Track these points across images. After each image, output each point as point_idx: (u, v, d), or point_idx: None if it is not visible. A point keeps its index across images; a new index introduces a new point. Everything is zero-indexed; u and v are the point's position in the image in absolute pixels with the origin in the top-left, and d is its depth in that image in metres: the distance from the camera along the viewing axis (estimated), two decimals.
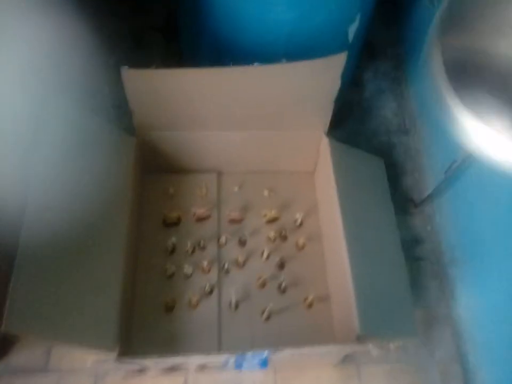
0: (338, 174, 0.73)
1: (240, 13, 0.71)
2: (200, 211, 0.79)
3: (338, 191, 0.71)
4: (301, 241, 0.79)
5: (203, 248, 0.77)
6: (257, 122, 0.75)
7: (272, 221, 0.81)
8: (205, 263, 0.74)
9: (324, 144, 0.78)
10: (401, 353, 0.73)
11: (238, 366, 0.64)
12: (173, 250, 0.76)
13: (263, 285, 0.75)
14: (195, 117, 0.73)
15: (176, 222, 0.79)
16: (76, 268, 0.60)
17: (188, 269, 0.73)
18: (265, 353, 0.48)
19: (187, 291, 0.72)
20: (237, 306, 0.72)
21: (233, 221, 0.81)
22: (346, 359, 0.70)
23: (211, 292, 0.73)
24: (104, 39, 1.02)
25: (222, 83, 0.67)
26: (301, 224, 0.81)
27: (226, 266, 0.75)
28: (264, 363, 0.61)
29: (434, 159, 0.88)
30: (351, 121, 0.97)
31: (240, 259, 0.76)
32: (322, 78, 0.67)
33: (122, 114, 0.81)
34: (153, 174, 0.83)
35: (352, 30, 0.76)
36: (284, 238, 0.80)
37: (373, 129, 0.97)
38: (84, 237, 0.63)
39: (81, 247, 0.61)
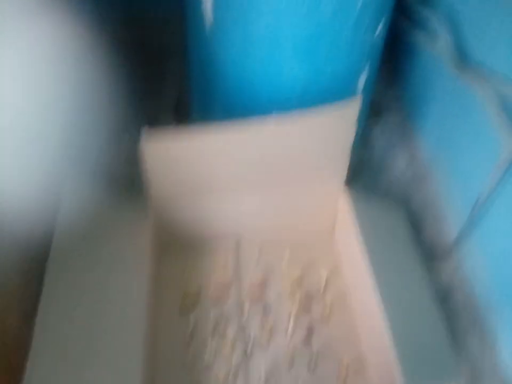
0: (362, 226, 0.73)
1: (254, 74, 0.74)
2: (218, 287, 0.77)
3: (364, 247, 0.70)
4: (328, 308, 0.76)
5: (224, 329, 0.74)
6: (274, 181, 0.76)
7: (296, 287, 0.79)
8: (227, 348, 0.71)
9: (343, 196, 0.78)
10: None
11: None
12: (192, 335, 0.73)
13: (292, 362, 0.71)
14: (211, 181, 0.74)
15: (196, 300, 0.77)
16: (94, 353, 0.58)
17: (209, 357, 0.70)
18: None
19: (210, 381, 0.69)
20: None
21: (253, 294, 0.78)
22: None
23: (235, 378, 0.69)
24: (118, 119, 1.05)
25: (238, 139, 0.68)
26: (325, 289, 0.79)
27: (249, 348, 0.72)
28: None
29: (454, 206, 0.87)
30: (364, 177, 0.97)
31: (264, 338, 0.73)
32: (337, 124, 0.69)
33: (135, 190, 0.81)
34: (169, 250, 0.82)
35: (362, 80, 0.77)
36: (308, 309, 0.77)
37: (387, 182, 0.96)
38: (101, 323, 0.62)
39: (100, 333, 0.60)
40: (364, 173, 0.97)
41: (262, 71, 0.73)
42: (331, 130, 0.69)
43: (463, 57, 0.78)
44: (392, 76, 1.09)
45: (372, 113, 1.02)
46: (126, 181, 0.93)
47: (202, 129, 0.66)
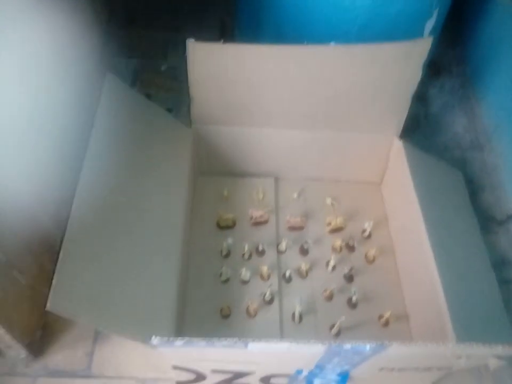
0: (417, 181, 0.70)
1: None
2: (258, 214, 0.76)
3: (419, 200, 0.67)
4: (371, 253, 0.74)
5: (262, 253, 0.73)
6: (323, 121, 0.73)
7: (337, 230, 0.78)
8: (265, 269, 0.70)
9: (397, 148, 0.77)
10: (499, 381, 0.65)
11: (309, 383, 0.58)
12: (228, 254, 0.73)
13: (331, 297, 0.70)
14: (255, 110, 0.72)
15: (231, 225, 0.77)
16: (131, 257, 0.57)
17: (245, 274, 0.69)
18: (367, 347, 0.42)
19: (244, 298, 0.68)
20: (301, 318, 0.67)
21: (293, 228, 0.78)
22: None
23: (271, 300, 0.68)
24: (155, 46, 1.08)
25: (290, 63, 0.65)
26: (369, 235, 0.77)
27: (288, 274, 0.71)
28: (343, 379, 0.55)
29: None
30: (418, 134, 0.96)
31: (303, 267, 0.71)
32: (403, 64, 0.65)
33: (173, 116, 0.81)
34: (206, 174, 0.82)
35: (428, 26, 0.77)
36: (351, 248, 0.76)
37: (443, 144, 0.96)
38: (138, 228, 0.60)
39: (135, 239, 0.59)
40: (417, 131, 0.97)
41: None
42: (395, 69, 0.66)
43: None
44: (456, 37, 1.09)
45: (430, 73, 1.02)
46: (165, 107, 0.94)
47: (251, 47, 0.63)
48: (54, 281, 0.45)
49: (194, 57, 0.64)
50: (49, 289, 0.45)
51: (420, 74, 0.67)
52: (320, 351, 0.43)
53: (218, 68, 0.65)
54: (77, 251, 0.50)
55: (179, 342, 0.40)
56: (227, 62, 0.65)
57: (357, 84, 0.68)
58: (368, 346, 0.41)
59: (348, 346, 0.41)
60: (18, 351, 0.61)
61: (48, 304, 0.43)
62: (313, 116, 0.73)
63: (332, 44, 0.63)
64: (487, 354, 0.45)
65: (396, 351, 0.43)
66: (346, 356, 0.45)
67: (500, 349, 0.43)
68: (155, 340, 0.39)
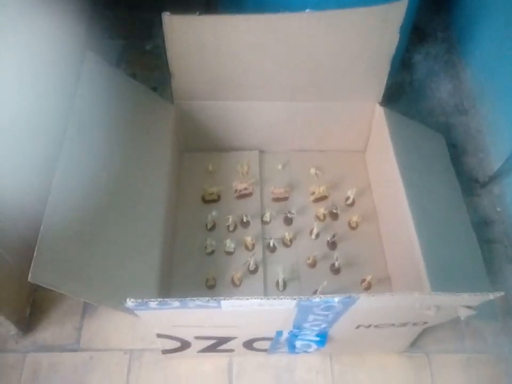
0: (398, 147, 0.70)
1: None
2: (242, 186, 0.78)
3: (399, 166, 0.68)
4: (354, 220, 0.76)
5: (246, 224, 0.75)
6: (305, 91, 0.74)
7: (321, 199, 0.79)
8: (249, 239, 0.71)
9: (379, 114, 0.77)
10: (478, 341, 0.67)
11: (291, 347, 0.61)
12: (213, 227, 0.75)
13: (314, 264, 0.72)
14: (238, 83, 0.72)
15: (216, 199, 0.78)
16: (112, 231, 0.58)
17: (229, 245, 0.71)
18: (336, 300, 0.44)
19: (229, 269, 0.70)
20: (285, 285, 0.69)
21: (277, 199, 0.79)
22: (414, 346, 0.65)
23: (256, 270, 0.70)
24: (140, 26, 1.08)
25: (269, 33, 0.65)
26: (352, 203, 0.79)
27: (272, 243, 0.73)
28: (322, 338, 0.57)
29: (499, 138, 0.86)
30: (403, 101, 0.96)
31: (287, 237, 0.73)
32: (379, 29, 0.65)
33: (158, 95, 0.82)
34: (191, 149, 0.83)
35: None
36: (334, 216, 0.77)
37: (428, 109, 0.96)
38: (121, 203, 0.62)
39: (118, 213, 0.60)
40: (402, 98, 0.97)
41: None
42: (372, 33, 0.66)
43: None
44: (441, 2, 1.08)
45: (415, 39, 1.01)
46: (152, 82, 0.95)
47: (228, 18, 0.63)
48: (35, 253, 0.47)
49: (172, 31, 0.64)
50: None
51: (397, 37, 0.66)
52: (291, 306, 0.44)
53: (196, 41, 0.65)
54: (59, 224, 0.52)
55: (153, 303, 0.42)
56: (205, 34, 0.65)
57: (335, 51, 0.68)
58: (336, 299, 0.43)
59: (317, 300, 0.43)
60: (8, 328, 0.63)
61: (29, 275, 0.45)
62: (295, 87, 0.73)
63: (308, 10, 0.63)
64: (454, 303, 0.47)
65: (366, 304, 0.45)
66: (319, 312, 0.47)
67: (466, 298, 0.45)
68: (129, 302, 0.41)
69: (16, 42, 0.61)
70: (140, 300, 0.42)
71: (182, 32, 0.64)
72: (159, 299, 0.42)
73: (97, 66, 0.68)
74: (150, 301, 0.42)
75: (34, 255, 0.47)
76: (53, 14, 0.75)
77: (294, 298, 0.43)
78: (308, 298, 0.43)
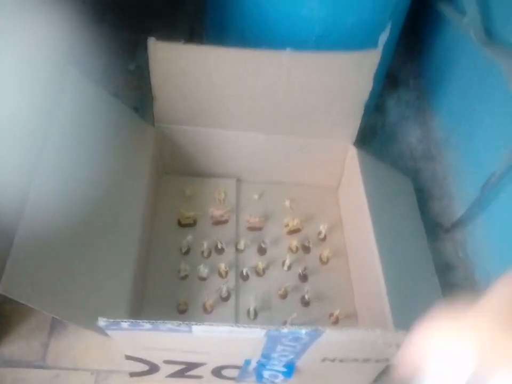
0: (368, 187, 0.74)
1: (270, 7, 0.75)
2: (218, 213, 0.79)
3: (369, 205, 0.71)
4: (325, 254, 0.78)
5: (221, 250, 0.75)
6: (282, 125, 0.77)
7: (294, 232, 0.81)
8: (222, 266, 0.72)
9: (352, 154, 0.81)
10: None
11: (259, 377, 0.60)
12: (187, 251, 0.75)
13: (285, 295, 0.73)
14: (218, 111, 0.74)
15: (192, 223, 0.79)
16: (86, 250, 0.58)
17: (203, 270, 0.71)
18: (303, 332, 0.45)
19: (201, 294, 0.70)
20: (255, 315, 0.70)
21: (252, 228, 0.80)
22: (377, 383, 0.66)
23: (228, 297, 0.70)
24: (124, 46, 1.10)
25: (250, 66, 0.68)
26: (324, 238, 0.81)
27: (245, 272, 0.73)
28: (289, 369, 0.57)
29: (463, 185, 0.91)
30: (374, 144, 1.01)
31: (260, 266, 0.74)
32: (355, 73, 0.69)
33: (139, 115, 0.83)
34: (169, 172, 0.84)
35: (382, 39, 0.82)
36: (306, 249, 0.79)
37: (397, 153, 1.01)
38: (97, 222, 0.61)
39: (93, 232, 0.60)
40: (374, 140, 1.02)
41: (280, 9, 0.74)
42: (347, 77, 0.70)
43: (489, 33, 0.84)
44: (412, 51, 1.16)
45: (388, 86, 1.08)
46: (130, 106, 0.96)
47: (212, 49, 0.66)
48: (7, 265, 0.46)
49: (156, 56, 0.66)
50: None
51: (371, 84, 0.71)
52: (261, 335, 0.45)
53: (180, 68, 0.67)
54: (33, 238, 0.51)
55: (125, 323, 0.41)
56: (189, 63, 0.67)
57: (312, 90, 0.72)
58: (303, 331, 0.44)
59: (285, 331, 0.44)
60: None
61: (0, 286, 0.44)
62: (272, 120, 0.76)
63: (288, 49, 0.66)
64: None
65: (331, 336, 0.46)
66: (287, 343, 0.48)
67: None
68: (101, 321, 0.41)
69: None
70: (112, 320, 0.41)
71: (167, 58, 0.66)
72: (131, 320, 0.42)
73: (79, 83, 0.69)
74: (122, 321, 0.42)
75: (6, 266, 0.46)
76: (35, 25, 0.76)
77: (264, 328, 0.44)
78: (277, 328, 0.44)
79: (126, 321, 0.41)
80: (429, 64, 1.12)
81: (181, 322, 0.42)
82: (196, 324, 0.43)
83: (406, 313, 0.62)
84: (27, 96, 0.74)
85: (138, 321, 0.42)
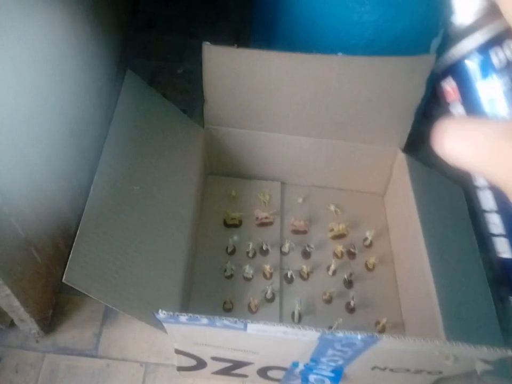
0: (418, 194, 0.72)
1: (320, 12, 0.74)
2: (263, 215, 0.79)
3: (419, 212, 0.69)
4: (371, 261, 0.76)
5: (265, 252, 0.75)
6: (329, 129, 0.76)
7: (339, 237, 0.80)
8: (267, 268, 0.72)
9: (401, 160, 0.79)
10: None
11: (304, 380, 0.60)
12: (233, 251, 0.75)
13: (330, 300, 0.72)
14: (266, 114, 0.74)
15: (238, 224, 0.79)
16: (141, 245, 0.59)
17: (248, 271, 0.71)
18: (359, 338, 0.44)
19: (246, 294, 0.70)
20: (300, 318, 0.69)
21: (297, 231, 0.80)
22: None
23: (272, 298, 0.70)
24: (172, 50, 1.12)
25: (301, 71, 0.67)
26: (370, 244, 0.80)
27: (289, 275, 0.73)
28: (337, 375, 0.56)
29: None
30: (421, 152, 0.99)
31: (305, 270, 0.73)
32: (407, 78, 0.68)
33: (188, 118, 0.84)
34: (216, 174, 0.85)
35: (434, 45, 0.80)
36: (352, 255, 0.78)
37: (445, 162, 0.98)
38: (151, 219, 0.63)
39: (147, 228, 0.61)
40: (421, 148, 0.99)
41: (331, 13, 0.73)
42: (399, 81, 0.69)
43: None
44: None
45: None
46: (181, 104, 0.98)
47: (262, 53, 0.66)
48: (71, 255, 0.47)
49: (209, 60, 0.67)
50: (63, 269, 0.47)
51: (424, 89, 0.69)
52: (314, 338, 0.44)
53: (231, 71, 0.68)
54: (93, 232, 0.53)
55: (183, 317, 0.42)
56: (240, 66, 0.68)
57: (362, 95, 0.71)
58: (359, 336, 0.43)
59: (340, 335, 0.43)
60: (30, 326, 0.63)
61: (64, 276, 0.45)
62: (319, 124, 0.76)
63: (340, 54, 0.66)
64: (473, 355, 0.47)
65: (387, 345, 0.45)
66: (339, 348, 0.47)
67: (485, 351, 0.45)
68: (161, 314, 0.41)
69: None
70: (171, 313, 0.42)
71: (219, 61, 0.67)
72: (189, 314, 0.43)
73: (137, 85, 0.71)
74: (181, 315, 0.42)
75: (70, 257, 0.47)
76: (89, 28, 0.78)
77: (318, 330, 0.43)
78: (331, 332, 0.43)
79: (184, 315, 0.42)
80: None
81: (236, 320, 0.42)
82: (252, 322, 0.42)
83: (458, 325, 0.60)
84: (86, 97, 0.77)
85: (196, 316, 0.42)
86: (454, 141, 0.16)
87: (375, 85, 0.70)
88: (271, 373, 0.59)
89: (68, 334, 0.67)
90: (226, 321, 0.43)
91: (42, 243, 0.61)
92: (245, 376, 0.60)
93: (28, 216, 0.56)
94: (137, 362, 0.65)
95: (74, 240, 0.50)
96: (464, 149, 0.16)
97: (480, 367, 0.48)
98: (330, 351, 0.50)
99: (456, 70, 0.31)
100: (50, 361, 0.65)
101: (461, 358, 0.48)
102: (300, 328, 0.43)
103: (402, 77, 0.69)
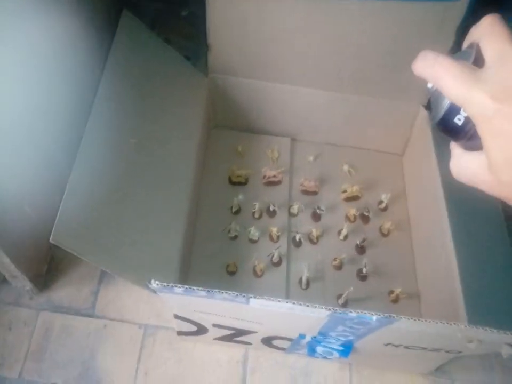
0: (441, 155, 0.64)
1: None
2: (271, 173, 0.72)
3: (441, 174, 0.62)
4: (386, 226, 0.70)
5: (273, 213, 0.70)
6: (346, 82, 0.68)
7: (352, 199, 0.74)
8: (274, 230, 0.66)
9: (422, 118, 0.71)
10: (507, 376, 0.62)
11: (311, 351, 0.56)
12: (238, 211, 0.69)
13: (340, 266, 0.67)
14: (277, 64, 0.67)
15: (243, 182, 0.73)
16: (138, 200, 0.53)
17: (254, 233, 0.66)
18: (374, 319, 0.39)
19: (251, 257, 0.65)
20: (308, 284, 0.64)
21: (306, 192, 0.74)
22: (439, 371, 0.60)
23: (279, 263, 0.65)
24: None
25: (316, 16, 0.59)
26: (385, 208, 0.73)
27: (298, 238, 0.67)
28: (347, 349, 0.52)
29: None
30: None
31: (314, 233, 0.68)
32: (434, 27, 0.59)
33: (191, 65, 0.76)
34: (221, 127, 0.78)
35: None
36: (365, 219, 0.72)
37: None
38: (148, 175, 0.57)
39: (145, 186, 0.56)
40: None
41: None
42: (426, 30, 0.60)
43: None
44: (493, 7, 1.02)
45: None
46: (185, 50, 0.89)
47: None
48: (58, 214, 0.42)
49: (215, 2, 0.59)
50: None
51: (452, 39, 0.61)
52: (323, 316, 0.39)
53: (239, 15, 0.60)
54: (84, 186, 0.47)
55: (178, 289, 0.37)
56: (249, 11, 0.59)
57: (385, 45, 0.62)
58: (374, 318, 0.38)
59: (353, 315, 0.38)
60: (23, 282, 0.60)
61: (51, 236, 0.40)
62: (336, 76, 0.68)
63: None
64: (500, 340, 0.42)
65: (404, 326, 0.39)
66: (351, 325, 0.42)
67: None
68: (154, 284, 0.36)
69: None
70: (165, 284, 0.37)
71: (226, 4, 0.59)
72: (185, 286, 0.37)
73: (134, 27, 0.63)
74: (176, 286, 0.37)
75: (58, 215, 0.42)
76: None
77: (329, 309, 0.38)
78: (343, 311, 0.38)
79: (180, 287, 0.37)
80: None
81: (237, 294, 0.37)
82: (254, 297, 0.37)
83: (480, 301, 0.55)
84: (82, 37, 0.68)
85: (193, 288, 0.37)
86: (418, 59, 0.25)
87: (399, 34, 0.61)
88: (276, 342, 0.55)
89: (63, 292, 0.64)
90: (226, 294, 0.37)
91: (37, 199, 0.56)
92: (248, 343, 0.57)
93: (22, 172, 0.51)
94: (135, 324, 0.62)
95: (63, 196, 0.44)
96: (418, 62, 0.25)
97: (506, 350, 0.43)
98: (340, 327, 0.45)
99: None
100: (45, 319, 0.62)
101: (485, 342, 0.43)
102: (307, 305, 0.38)
103: (429, 26, 0.60)
